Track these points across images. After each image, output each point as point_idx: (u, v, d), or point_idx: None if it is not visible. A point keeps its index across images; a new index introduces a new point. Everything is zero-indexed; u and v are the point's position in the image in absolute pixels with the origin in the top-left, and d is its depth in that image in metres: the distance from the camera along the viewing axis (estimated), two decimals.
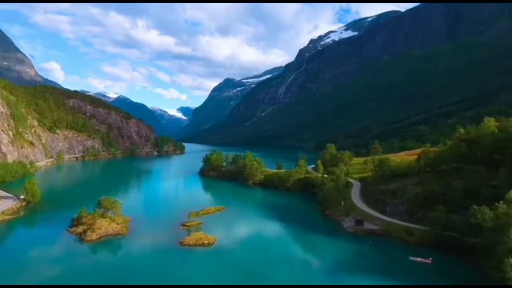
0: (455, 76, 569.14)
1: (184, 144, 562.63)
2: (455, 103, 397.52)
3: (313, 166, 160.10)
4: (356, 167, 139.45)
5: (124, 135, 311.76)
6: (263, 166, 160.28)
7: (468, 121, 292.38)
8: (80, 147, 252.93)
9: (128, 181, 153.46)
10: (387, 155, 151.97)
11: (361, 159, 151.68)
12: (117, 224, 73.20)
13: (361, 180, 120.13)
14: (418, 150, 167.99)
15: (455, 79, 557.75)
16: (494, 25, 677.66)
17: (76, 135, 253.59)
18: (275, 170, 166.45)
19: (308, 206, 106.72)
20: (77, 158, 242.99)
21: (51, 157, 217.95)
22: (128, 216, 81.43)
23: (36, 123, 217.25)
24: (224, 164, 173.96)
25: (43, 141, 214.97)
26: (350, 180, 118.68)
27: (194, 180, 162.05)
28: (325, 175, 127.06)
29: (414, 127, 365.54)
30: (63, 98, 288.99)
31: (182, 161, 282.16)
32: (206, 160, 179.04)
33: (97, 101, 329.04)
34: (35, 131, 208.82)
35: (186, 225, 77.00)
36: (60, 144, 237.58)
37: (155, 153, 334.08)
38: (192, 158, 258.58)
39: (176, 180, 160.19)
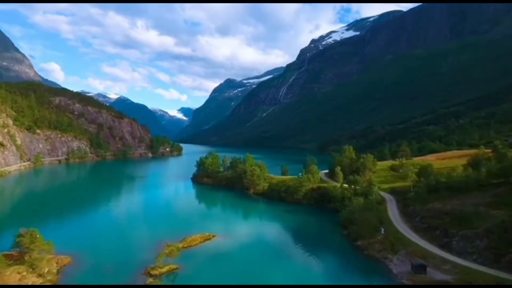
0: (460, 76, 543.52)
1: (183, 145, 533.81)
2: (464, 102, 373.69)
3: (325, 171, 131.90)
4: (381, 174, 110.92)
5: (115, 136, 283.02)
6: (266, 172, 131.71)
7: (482, 120, 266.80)
8: (64, 149, 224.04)
9: (102, 191, 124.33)
10: (420, 158, 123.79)
11: (385, 164, 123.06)
12: (39, 275, 44.67)
13: (392, 192, 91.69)
14: (450, 153, 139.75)
15: (461, 78, 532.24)
16: (499, 23, 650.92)
17: (59, 136, 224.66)
18: (280, 177, 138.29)
19: (329, 230, 77.75)
20: (59, 161, 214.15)
21: (28, 160, 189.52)
22: (68, 255, 53.03)
23: (10, 122, 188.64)
24: (221, 169, 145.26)
25: (18, 142, 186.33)
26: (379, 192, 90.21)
27: (184, 189, 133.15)
28: (344, 185, 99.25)
29: (423, 127, 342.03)
30: (49, 95, 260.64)
31: (177, 164, 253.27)
32: (200, 164, 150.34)
33: (87, 99, 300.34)
34: (8, 131, 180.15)
35: (151, 273, 48.40)
36: (40, 146, 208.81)
37: (150, 154, 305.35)
38: (188, 161, 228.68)
39: (161, 189, 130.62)
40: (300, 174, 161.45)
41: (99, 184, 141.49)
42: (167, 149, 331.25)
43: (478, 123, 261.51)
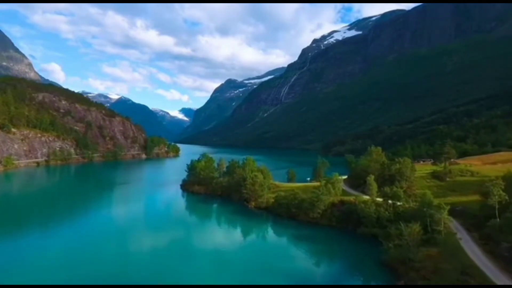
0: (467, 74, 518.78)
1: (183, 145, 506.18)
2: (474, 101, 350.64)
3: (343, 177, 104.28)
4: (421, 183, 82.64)
5: (106, 136, 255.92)
6: (270, 179, 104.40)
7: (499, 119, 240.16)
8: (44, 150, 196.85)
9: (61, 205, 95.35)
10: (463, 162, 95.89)
11: (420, 168, 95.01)
12: None
13: (451, 212, 64.13)
14: (498, 155, 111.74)
15: (468, 77, 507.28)
16: (505, 21, 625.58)
17: (39, 135, 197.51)
18: (287, 184, 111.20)
19: (373, 277, 50.03)
20: (38, 163, 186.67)
21: None
22: None
23: None
24: (216, 174, 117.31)
25: None
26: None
27: (168, 201, 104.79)
28: (377, 199, 71.90)
29: (433, 127, 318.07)
30: (32, 91, 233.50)
31: (171, 166, 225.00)
32: (191, 168, 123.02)
33: (75, 96, 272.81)
34: None
35: None
36: (16, 146, 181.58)
37: (143, 156, 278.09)
38: (184, 163, 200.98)
39: (138, 202, 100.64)
40: (308, 179, 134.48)
41: (63, 194, 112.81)
42: (163, 150, 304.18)
43: (496, 123, 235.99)
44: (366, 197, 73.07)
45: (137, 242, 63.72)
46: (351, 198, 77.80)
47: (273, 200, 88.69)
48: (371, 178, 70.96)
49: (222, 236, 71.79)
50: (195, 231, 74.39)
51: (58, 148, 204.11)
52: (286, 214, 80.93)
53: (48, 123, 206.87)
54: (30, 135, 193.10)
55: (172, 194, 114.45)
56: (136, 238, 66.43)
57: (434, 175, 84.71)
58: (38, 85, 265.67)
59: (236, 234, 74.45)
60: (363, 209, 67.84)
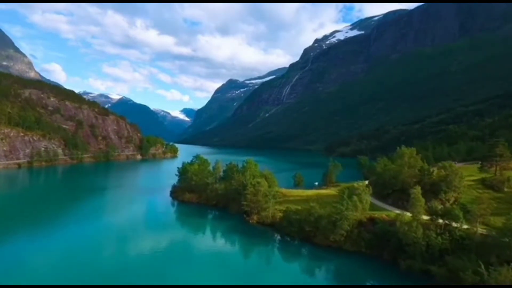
0: (473, 73, 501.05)
1: (183, 146, 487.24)
2: (483, 101, 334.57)
3: (359, 182, 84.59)
4: (470, 194, 63.74)
5: (98, 135, 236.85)
6: (276, 186, 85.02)
7: None
8: (27, 150, 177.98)
9: (19, 221, 76.44)
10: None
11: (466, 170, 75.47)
12: None
13: None
14: None
15: (474, 76, 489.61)
16: (510, 20, 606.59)
17: (22, 134, 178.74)
18: (296, 191, 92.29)
19: None
20: (19, 164, 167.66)
21: None
22: None
23: None
24: (212, 180, 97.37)
25: None
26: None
27: (151, 214, 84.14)
28: (422, 216, 52.48)
29: (441, 127, 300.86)
30: (18, 87, 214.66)
31: (166, 168, 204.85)
32: (182, 172, 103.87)
33: (65, 92, 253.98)
34: None
35: None
36: None
37: (139, 156, 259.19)
38: (181, 164, 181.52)
39: (117, 215, 79.87)
40: (316, 183, 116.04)
41: (30, 205, 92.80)
42: (160, 151, 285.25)
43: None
44: (407, 215, 53.65)
45: (100, 270, 44.58)
46: (383, 215, 58.57)
47: (280, 214, 69.41)
48: (417, 190, 51.07)
49: (214, 264, 52.40)
50: (180, 258, 54.89)
51: (43, 148, 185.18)
52: (298, 234, 61.55)
53: (33, 121, 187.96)
54: (12, 134, 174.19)
55: (158, 204, 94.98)
56: (99, 264, 47.32)
57: (486, 184, 65.37)
58: (26, 81, 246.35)
59: (232, 261, 54.88)
60: (406, 234, 48.52)
